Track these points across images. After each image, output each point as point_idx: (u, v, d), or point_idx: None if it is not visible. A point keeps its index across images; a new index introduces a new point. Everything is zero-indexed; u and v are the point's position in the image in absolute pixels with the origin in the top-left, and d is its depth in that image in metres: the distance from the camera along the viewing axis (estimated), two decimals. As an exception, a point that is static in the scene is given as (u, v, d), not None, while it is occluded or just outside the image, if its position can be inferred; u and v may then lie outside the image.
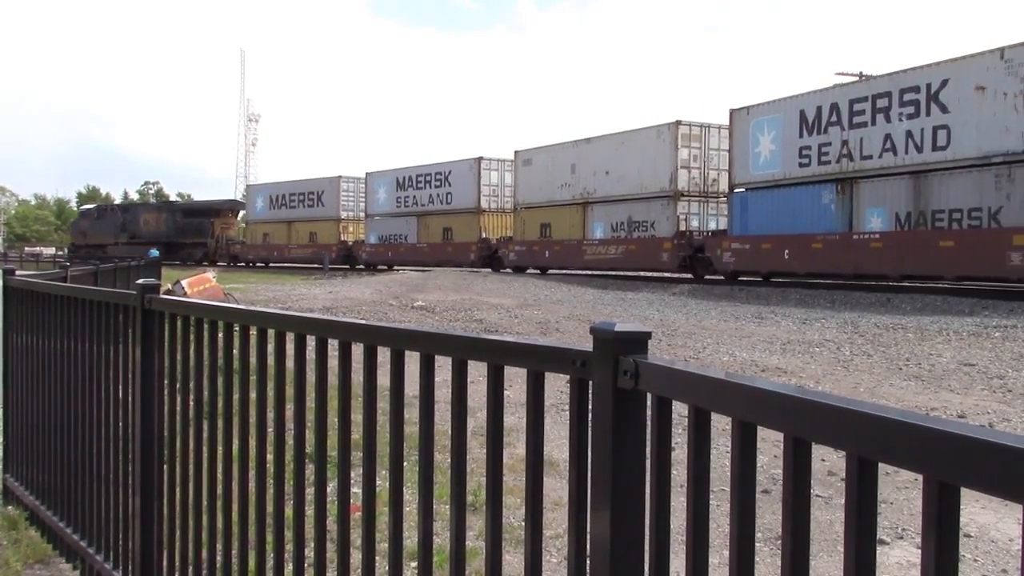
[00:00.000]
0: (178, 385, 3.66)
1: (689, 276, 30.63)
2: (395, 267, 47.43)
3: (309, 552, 2.77)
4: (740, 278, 28.63)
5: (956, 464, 1.10)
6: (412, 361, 2.32)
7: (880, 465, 1.27)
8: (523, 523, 2.05)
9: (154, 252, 47.25)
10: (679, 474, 1.74)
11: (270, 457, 2.98)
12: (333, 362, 2.61)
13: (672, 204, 31.05)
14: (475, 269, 40.82)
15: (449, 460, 2.21)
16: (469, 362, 2.16)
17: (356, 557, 2.59)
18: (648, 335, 1.75)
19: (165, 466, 3.78)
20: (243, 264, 59.71)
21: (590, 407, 1.81)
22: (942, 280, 23.07)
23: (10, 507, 5.95)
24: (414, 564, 2.40)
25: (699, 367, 1.63)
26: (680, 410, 1.68)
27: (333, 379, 2.61)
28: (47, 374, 5.35)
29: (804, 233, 25.29)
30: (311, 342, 2.74)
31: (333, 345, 2.64)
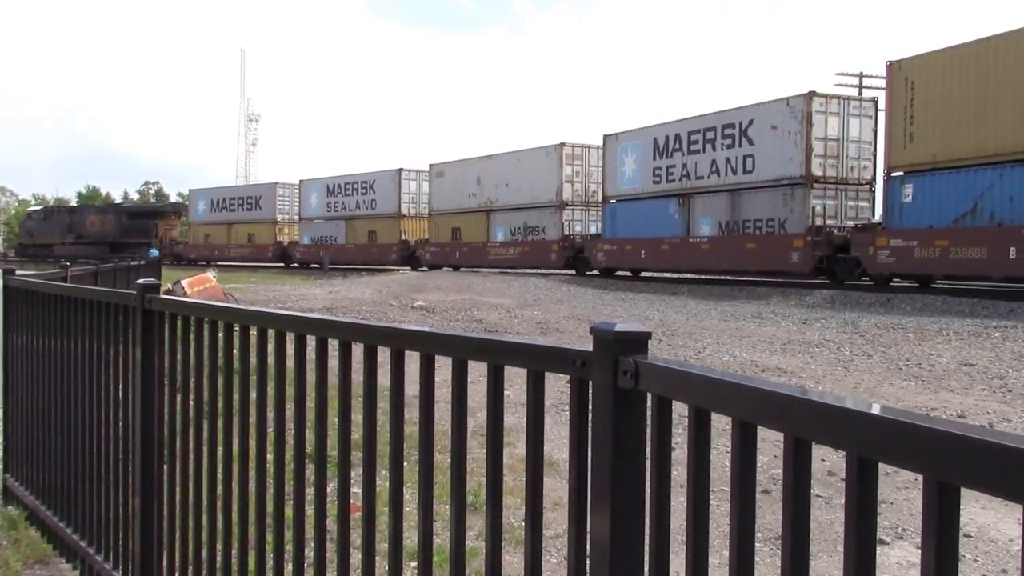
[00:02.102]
0: (178, 385, 3.66)
1: (572, 272, 36.57)
2: (324, 265, 51.75)
3: (309, 552, 2.77)
4: (616, 273, 34.66)
5: (956, 464, 1.10)
6: (412, 361, 2.32)
7: (880, 465, 1.27)
8: (523, 523, 2.05)
9: (154, 252, 47.72)
10: (679, 474, 1.74)
11: (270, 457, 2.98)
12: (333, 362, 2.61)
13: (559, 212, 37.60)
14: (397, 268, 46.43)
15: (449, 460, 2.21)
16: (469, 362, 2.16)
17: (356, 557, 2.59)
18: (648, 335, 1.75)
19: (165, 466, 3.78)
20: (186, 262, 61.78)
21: (590, 407, 1.81)
22: (748, 274, 29.38)
23: (10, 507, 5.95)
24: (414, 564, 2.40)
25: (699, 367, 1.63)
26: (680, 410, 1.68)
27: (333, 379, 2.61)
28: (47, 374, 5.35)
29: (656, 237, 31.84)
30: (311, 342, 2.74)
31: (333, 345, 2.64)
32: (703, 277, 31.02)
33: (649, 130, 32.52)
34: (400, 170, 48.61)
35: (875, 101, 26.97)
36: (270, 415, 2.99)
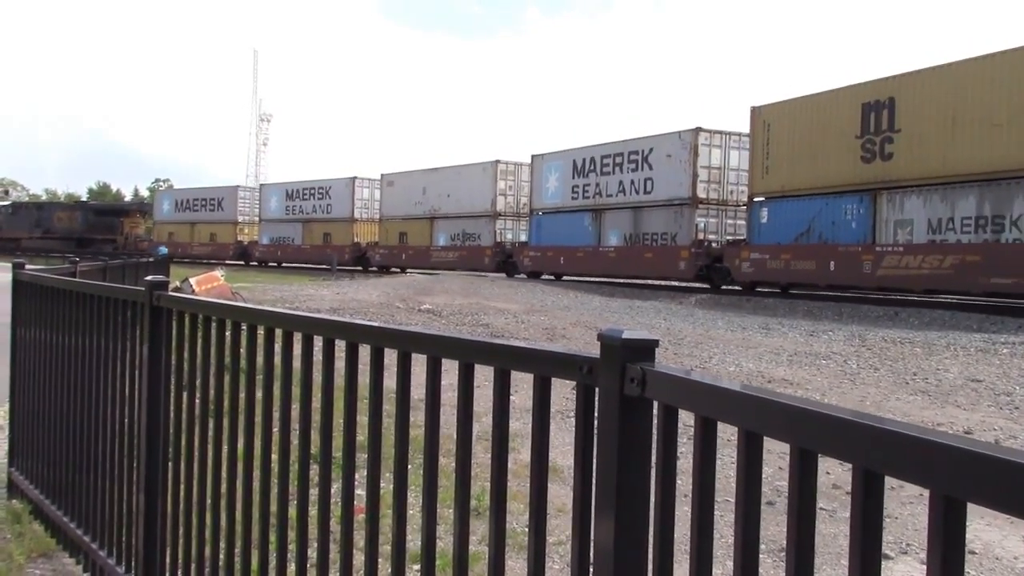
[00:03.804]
0: (185, 383, 3.67)
1: (503, 274, 40.38)
2: (282, 264, 57.37)
3: (312, 552, 2.77)
4: (542, 276, 38.43)
5: (963, 479, 1.10)
6: (419, 364, 2.32)
7: (886, 479, 1.27)
8: (526, 529, 2.05)
9: (163, 250, 48.44)
10: (683, 483, 1.74)
11: (275, 457, 2.99)
12: (340, 363, 2.61)
13: (492, 221, 42.10)
14: (349, 268, 50.60)
15: (453, 464, 2.21)
16: (476, 366, 2.17)
17: (359, 559, 2.59)
18: (655, 343, 1.75)
19: (170, 463, 3.79)
20: (147, 260, 64.80)
21: (596, 414, 1.80)
22: (646, 278, 33.73)
23: (14, 500, 5.96)
24: (417, 567, 2.40)
25: (707, 375, 1.62)
26: (686, 419, 1.68)
27: (340, 380, 2.61)
28: (54, 368, 5.37)
29: (573, 246, 36.59)
30: (318, 343, 2.75)
31: (340, 346, 2.64)
32: (613, 280, 35.11)
33: (570, 152, 37.61)
34: (354, 178, 53.41)
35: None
36: (276, 415, 2.99)
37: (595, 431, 1.81)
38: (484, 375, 2.14)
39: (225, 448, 3.29)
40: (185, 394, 3.66)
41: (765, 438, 1.47)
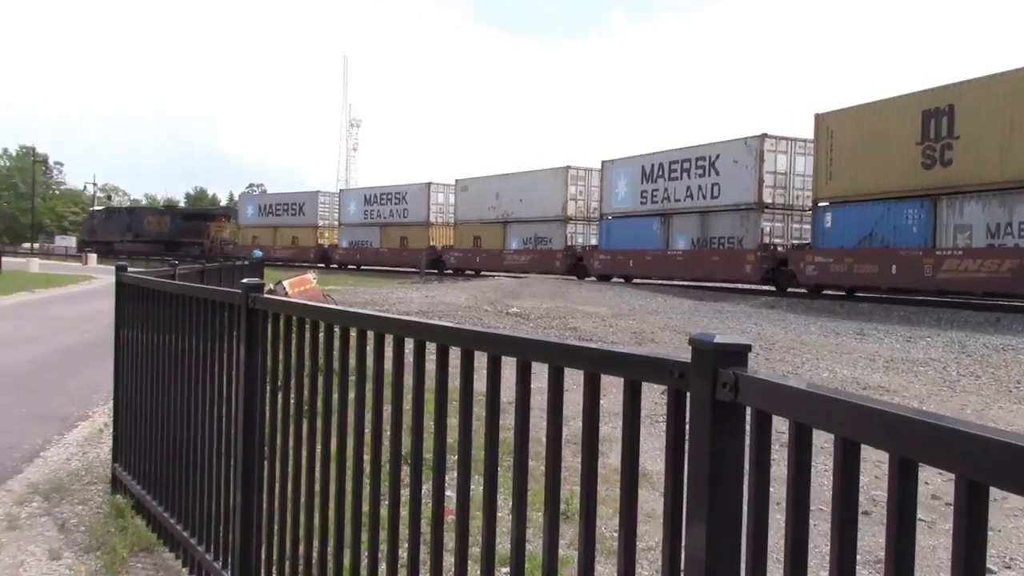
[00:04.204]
0: (279, 383, 3.75)
1: (574, 277, 41.15)
2: (360, 266, 59.42)
3: (402, 553, 2.80)
4: (611, 279, 39.26)
5: (1074, 492, 1.06)
6: (508, 367, 2.33)
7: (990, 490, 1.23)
8: (615, 534, 2.04)
9: (257, 253, 49.76)
10: (776, 491, 1.71)
11: (367, 457, 3.03)
12: (430, 365, 2.63)
13: (563, 226, 43.51)
14: (427, 271, 51.64)
15: (542, 467, 2.21)
16: (565, 370, 2.16)
17: (448, 560, 2.61)
18: (748, 348, 1.72)
19: (266, 462, 3.87)
20: (242, 262, 68.28)
21: (687, 419, 1.79)
22: (712, 281, 34.19)
23: (118, 496, 6.17)
24: (506, 570, 2.41)
25: (801, 381, 1.59)
26: (779, 425, 1.65)
27: (430, 382, 2.64)
28: (155, 368, 5.54)
29: (642, 249, 37.69)
30: (409, 345, 2.78)
31: (431, 349, 2.67)
32: (679, 283, 35.84)
33: (639, 158, 38.60)
34: (429, 183, 55.28)
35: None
36: (367, 416, 3.03)
37: (686, 437, 1.79)
38: (573, 379, 2.13)
39: (319, 448, 3.35)
40: (280, 394, 3.73)
41: (862, 446, 1.44)
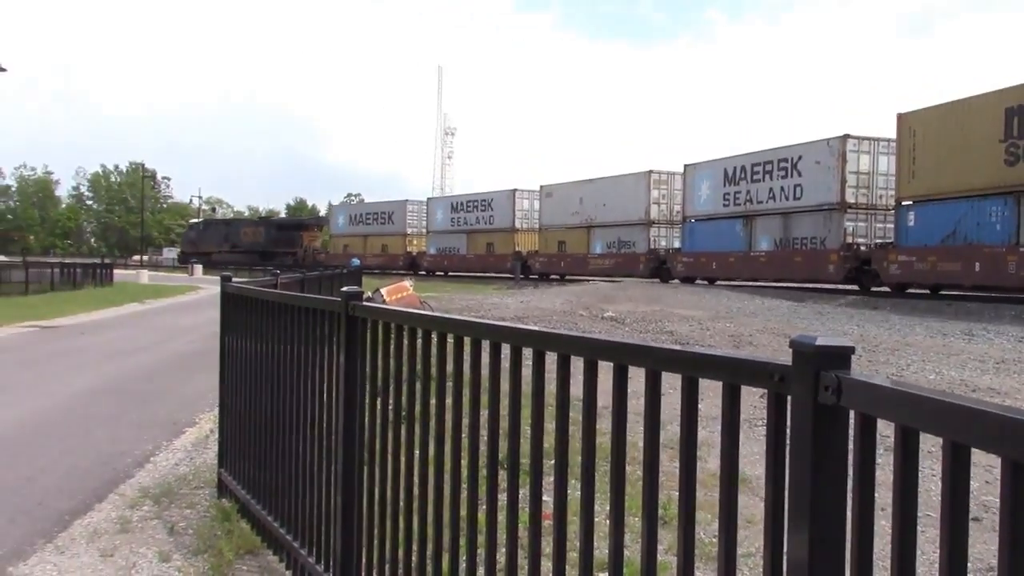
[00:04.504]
0: (379, 389, 3.80)
1: (657, 279, 42.16)
2: (448, 273, 61.14)
3: (500, 557, 2.82)
4: (695, 281, 39.92)
5: None
6: (604, 371, 2.32)
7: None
8: (714, 539, 2.01)
9: (355, 262, 50.83)
10: (882, 497, 1.66)
11: (464, 462, 3.05)
12: (527, 371, 2.64)
13: (647, 229, 44.31)
14: (511, 275, 52.98)
15: (639, 472, 2.19)
16: (662, 374, 2.15)
17: (546, 565, 2.61)
18: (851, 350, 1.68)
19: (365, 467, 3.93)
20: (302, 271, 71.02)
21: (788, 423, 1.75)
22: (794, 281, 34.42)
23: (224, 500, 6.34)
24: (603, 575, 2.40)
25: (907, 383, 1.55)
26: (883, 429, 1.61)
27: (527, 387, 2.65)
28: (258, 375, 5.68)
29: (725, 251, 38.09)
30: (505, 350, 2.79)
31: (527, 354, 2.68)
32: (761, 284, 35.87)
33: (721, 161, 39.11)
34: (514, 190, 56.84)
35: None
36: (465, 421, 3.06)
37: (787, 441, 1.76)
38: (670, 383, 2.12)
39: (417, 453, 3.39)
40: (379, 400, 3.79)
41: (972, 450, 1.39)
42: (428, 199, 68.54)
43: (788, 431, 1.75)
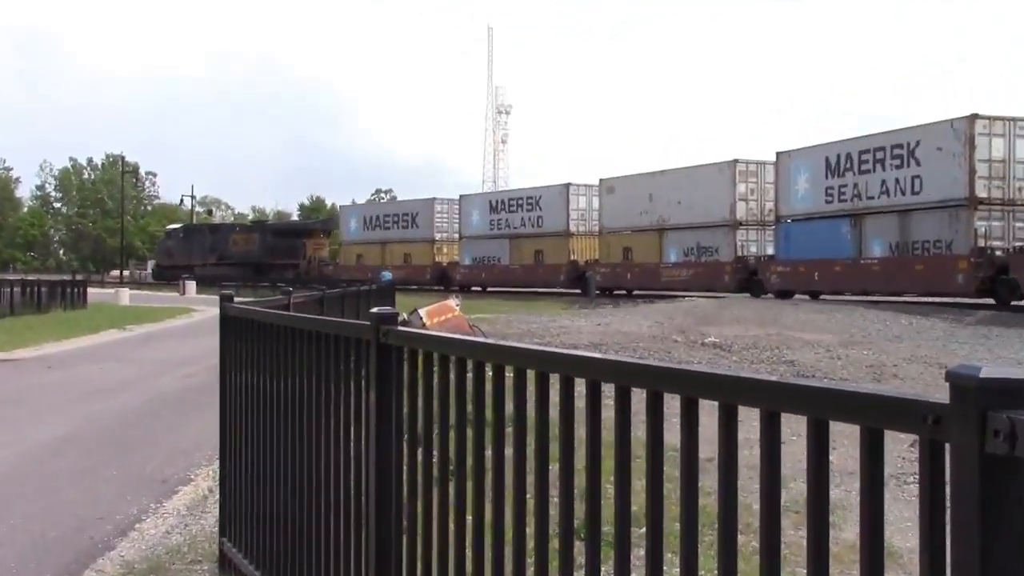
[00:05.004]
0: (420, 436, 3.81)
1: (747, 295, 42.11)
2: (486, 288, 61.46)
3: (577, 651, 2.81)
4: (794, 295, 40.07)
5: None
6: (706, 413, 2.31)
7: None
8: (855, 629, 1.99)
9: (387, 275, 50.98)
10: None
11: (529, 531, 3.05)
12: (607, 412, 2.64)
13: (731, 232, 44.64)
14: (565, 290, 54.97)
15: (755, 543, 2.18)
16: (782, 416, 2.13)
17: (636, 661, 2.60)
18: (1029, 384, 1.66)
19: (404, 536, 3.94)
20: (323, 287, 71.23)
21: (947, 478, 1.73)
22: (913, 295, 35.47)
23: (226, 576, 6.42)
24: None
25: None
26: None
27: (607, 435, 2.64)
28: (269, 420, 5.72)
29: (829, 258, 38.30)
30: (580, 386, 2.79)
31: (607, 391, 2.67)
32: (875, 299, 35.89)
33: (821, 148, 39.83)
34: (568, 185, 57.36)
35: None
36: (530, 478, 3.06)
37: (946, 503, 1.73)
38: (792, 427, 2.10)
39: (469, 518, 3.40)
40: (420, 450, 3.80)
41: None
42: (461, 197, 68.70)
43: (947, 490, 1.73)
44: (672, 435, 2.36)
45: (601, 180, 54.65)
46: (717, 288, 44.76)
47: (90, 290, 51.12)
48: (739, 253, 44.57)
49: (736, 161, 44.89)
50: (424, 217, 68.78)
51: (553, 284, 57.30)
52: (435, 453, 3.69)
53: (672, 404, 2.42)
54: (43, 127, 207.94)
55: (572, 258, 56.13)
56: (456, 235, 66.91)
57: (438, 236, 68.19)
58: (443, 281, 65.00)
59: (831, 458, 2.08)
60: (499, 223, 61.80)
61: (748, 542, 2.47)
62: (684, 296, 42.44)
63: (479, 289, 61.74)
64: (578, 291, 53.85)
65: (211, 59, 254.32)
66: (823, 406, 2.01)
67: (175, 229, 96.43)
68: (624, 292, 51.39)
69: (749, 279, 43.58)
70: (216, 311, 7.02)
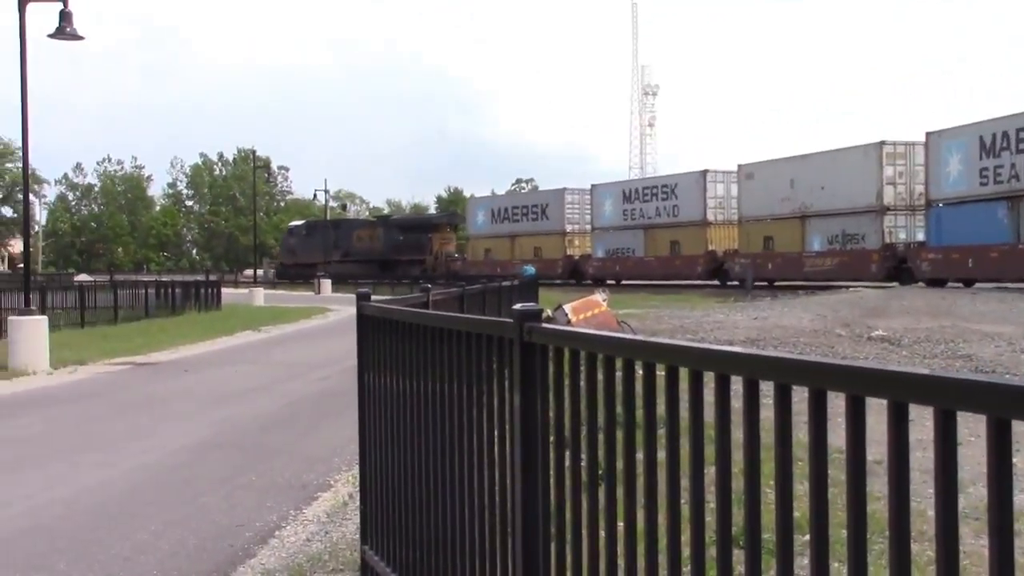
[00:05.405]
0: (567, 439, 3.82)
1: (896, 284, 41.88)
2: (620, 281, 62.34)
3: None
4: (946, 284, 40.11)
5: None
6: (875, 413, 2.27)
7: None
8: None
9: (529, 270, 51.24)
10: None
11: (684, 538, 3.04)
12: (766, 412, 2.61)
13: (878, 218, 45.23)
14: (702, 282, 55.87)
15: (930, 552, 2.14)
16: (958, 415, 2.08)
17: None
18: None
19: (552, 544, 3.96)
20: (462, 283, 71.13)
21: None
22: None
23: (368, 586, 6.53)
24: None
25: None
26: None
27: (766, 437, 2.62)
28: (409, 423, 5.79)
29: (983, 244, 38.11)
30: (736, 384, 2.77)
31: (766, 389, 2.64)
32: None
33: (974, 127, 39.52)
34: (705, 172, 58.01)
35: None
36: (684, 483, 3.05)
37: None
38: (970, 427, 2.06)
39: (620, 524, 3.40)
40: (568, 453, 3.81)
41: None
42: (593, 187, 69.31)
43: None
44: (836, 436, 2.33)
45: (739, 166, 54.95)
46: (863, 277, 45.07)
47: (224, 290, 52.55)
48: (887, 240, 44.75)
49: (883, 143, 44.96)
50: (554, 209, 69.60)
51: (690, 276, 57.48)
52: (583, 456, 3.70)
53: (836, 403, 2.39)
54: (171, 124, 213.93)
55: (710, 248, 56.52)
56: (588, 227, 67.72)
57: (569, 228, 69.05)
58: (575, 275, 65.95)
59: (1014, 460, 2.02)
60: (633, 213, 62.42)
61: (923, 551, 2.42)
62: (840, 287, 42.79)
63: (612, 282, 62.03)
64: (716, 283, 54.54)
65: (337, 48, 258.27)
66: (1005, 404, 1.96)
67: (298, 226, 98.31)
68: (765, 283, 51.38)
69: (898, 267, 43.85)
70: (352, 310, 7.13)
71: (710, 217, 57.25)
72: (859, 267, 45.93)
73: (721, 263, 55.35)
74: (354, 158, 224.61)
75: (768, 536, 2.67)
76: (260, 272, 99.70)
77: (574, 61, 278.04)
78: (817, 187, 47.94)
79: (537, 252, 69.58)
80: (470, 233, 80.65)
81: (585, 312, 20.28)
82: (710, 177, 57.51)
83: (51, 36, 21.97)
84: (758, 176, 52.50)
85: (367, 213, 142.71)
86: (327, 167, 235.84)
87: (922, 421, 2.12)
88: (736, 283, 51.90)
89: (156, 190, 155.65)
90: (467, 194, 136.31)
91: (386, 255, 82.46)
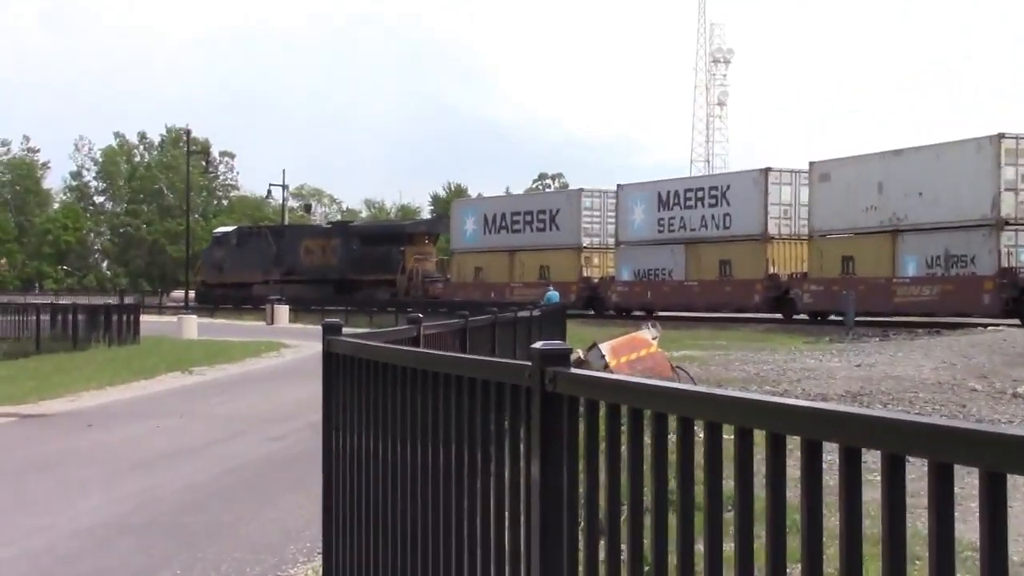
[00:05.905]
0: (601, 523, 3.82)
1: (1018, 321, 42.49)
2: (653, 312, 59.80)
3: None
4: None
5: None
6: (1016, 494, 2.28)
7: None
8: None
9: (553, 296, 50.91)
10: None
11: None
12: (871, 491, 2.62)
13: (994, 234, 44.93)
14: (761, 315, 56.14)
15: None
16: None
17: None
18: None
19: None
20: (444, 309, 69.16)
21: None
22: None
23: None
24: None
25: None
26: None
27: (870, 524, 2.62)
28: (388, 498, 5.78)
29: None
30: (831, 452, 2.77)
31: (869, 459, 2.64)
32: None
33: None
34: (767, 170, 58.54)
35: None
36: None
37: None
38: None
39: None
40: (604, 541, 3.80)
41: None
42: (619, 187, 68.46)
43: None
44: (966, 527, 2.33)
45: (812, 164, 55.00)
46: (972, 312, 45.36)
47: (144, 318, 52.39)
48: (1005, 263, 44.31)
49: (1002, 135, 44.38)
50: (568, 215, 68.61)
51: (744, 306, 58.04)
52: (623, 547, 3.69)
53: (967, 479, 2.38)
54: (78, 93, 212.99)
55: (771, 271, 56.46)
56: (611, 240, 66.99)
57: (586, 242, 68.16)
58: (592, 303, 65.77)
59: None
60: (671, 223, 62.33)
61: None
62: (982, 327, 41.99)
63: (641, 313, 61.02)
64: (778, 316, 54.53)
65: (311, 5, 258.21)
66: None
67: (226, 234, 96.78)
68: (838, 316, 51.25)
69: (1019, 299, 43.64)
70: (316, 347, 7.10)
71: (772, 230, 57.16)
72: (967, 297, 45.90)
73: (786, 290, 55.46)
74: (325, 146, 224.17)
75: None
76: (192, 294, 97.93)
77: (615, 29, 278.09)
78: (913, 192, 47.97)
79: (544, 272, 68.46)
80: (454, 247, 79.42)
81: (628, 354, 20.23)
82: (773, 178, 57.50)
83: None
84: (836, 177, 52.70)
85: (340, 215, 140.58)
86: (288, 156, 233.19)
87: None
88: (804, 316, 52.65)
89: (55, 182, 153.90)
90: (475, 192, 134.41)
91: (343, 273, 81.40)
